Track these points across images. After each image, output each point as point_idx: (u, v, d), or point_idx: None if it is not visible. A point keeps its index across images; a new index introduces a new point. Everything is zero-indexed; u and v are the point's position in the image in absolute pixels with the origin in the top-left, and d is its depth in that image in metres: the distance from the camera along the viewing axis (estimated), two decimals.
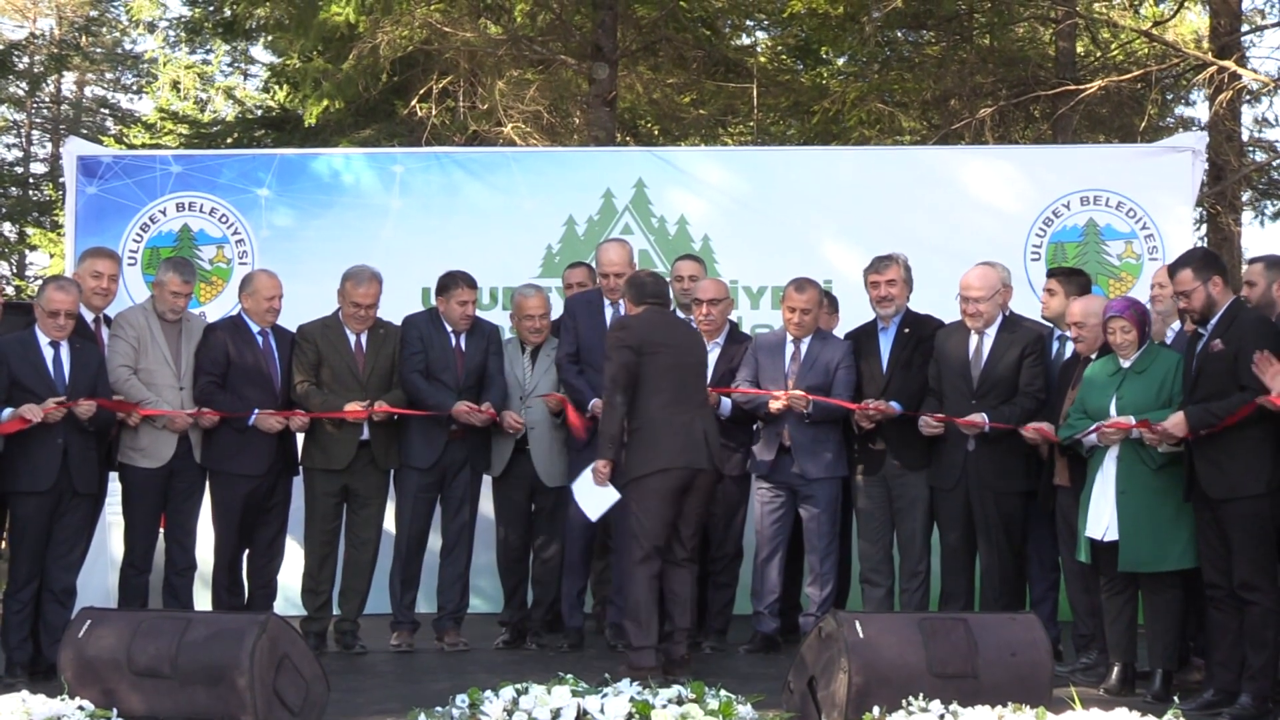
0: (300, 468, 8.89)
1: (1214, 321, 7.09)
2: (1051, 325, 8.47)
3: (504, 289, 10.23)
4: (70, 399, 7.81)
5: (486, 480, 9.07)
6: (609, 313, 8.94)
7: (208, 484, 8.71)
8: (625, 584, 7.91)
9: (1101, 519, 7.40)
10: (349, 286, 8.78)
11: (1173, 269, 7.36)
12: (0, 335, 8.11)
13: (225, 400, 8.53)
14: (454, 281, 8.90)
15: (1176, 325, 7.93)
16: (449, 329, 8.89)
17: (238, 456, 8.57)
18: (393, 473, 8.93)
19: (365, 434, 8.71)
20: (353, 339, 8.81)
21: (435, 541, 9.02)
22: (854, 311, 9.22)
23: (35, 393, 7.79)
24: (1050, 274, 8.74)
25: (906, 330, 8.65)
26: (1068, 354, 8.18)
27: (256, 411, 8.52)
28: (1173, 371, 7.34)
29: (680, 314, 9.07)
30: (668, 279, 9.37)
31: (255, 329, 8.73)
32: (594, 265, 9.48)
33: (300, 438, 8.87)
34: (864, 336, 8.84)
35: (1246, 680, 6.88)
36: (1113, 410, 7.40)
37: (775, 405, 8.49)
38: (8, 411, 7.71)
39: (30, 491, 7.85)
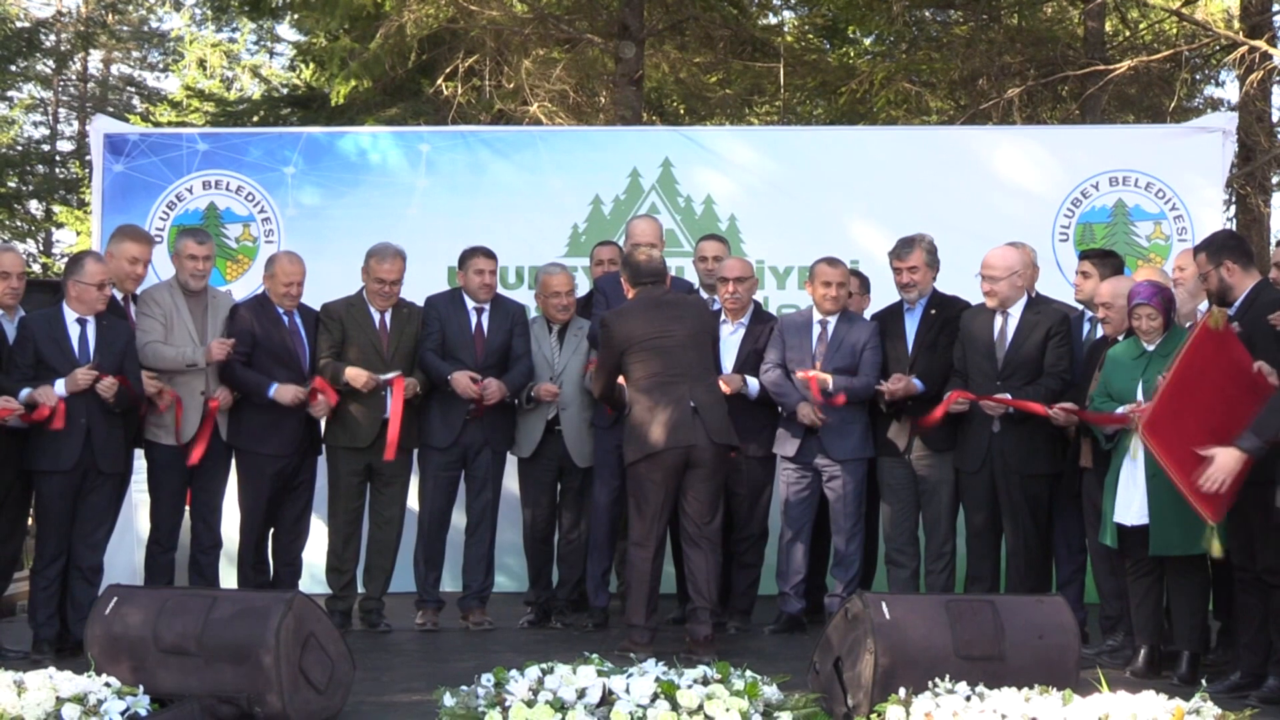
0: (324, 446, 8.91)
1: (1236, 304, 7.09)
2: (1083, 307, 8.42)
3: (530, 268, 10.22)
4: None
5: (513, 459, 9.06)
6: None
7: (234, 462, 8.73)
8: (623, 565, 8.00)
9: (1131, 504, 7.35)
10: (373, 263, 8.79)
11: (1195, 252, 7.40)
12: (27, 313, 8.14)
13: (246, 377, 8.54)
14: (471, 253, 8.95)
15: (1204, 306, 7.86)
16: (470, 307, 8.88)
17: (267, 437, 8.59)
18: (415, 452, 8.94)
19: (388, 412, 8.72)
20: (377, 317, 8.82)
21: (461, 520, 9.04)
22: (881, 292, 9.24)
23: (59, 371, 7.82)
24: (1083, 256, 8.70)
25: (933, 311, 8.62)
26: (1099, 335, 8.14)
27: (275, 385, 8.53)
28: None
29: (704, 294, 9.07)
30: (692, 259, 9.40)
31: (280, 308, 8.75)
32: (621, 241, 9.49)
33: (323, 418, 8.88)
34: (890, 317, 8.82)
35: (1273, 663, 6.87)
36: (1139, 394, 7.36)
37: (805, 416, 8.52)
38: (25, 393, 7.71)
39: (53, 470, 7.87)
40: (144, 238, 8.81)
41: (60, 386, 7.77)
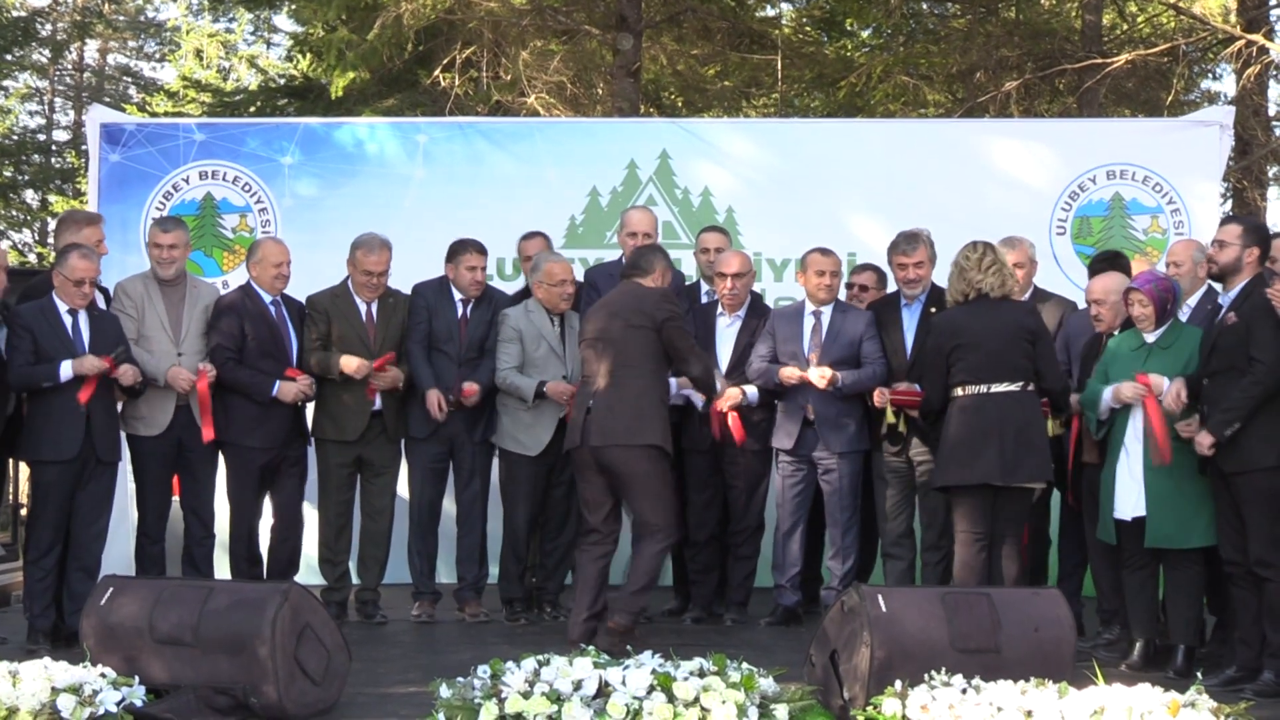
0: (312, 438, 8.89)
1: (1233, 294, 7.12)
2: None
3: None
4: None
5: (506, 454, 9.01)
6: None
7: (222, 456, 8.70)
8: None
9: (1128, 499, 7.36)
10: (360, 255, 8.73)
11: (1226, 219, 7.39)
12: (13, 304, 8.12)
13: (247, 377, 8.51)
14: (463, 247, 8.85)
15: (1193, 301, 7.85)
16: (457, 298, 8.84)
17: (253, 430, 8.54)
18: (404, 443, 8.92)
19: (377, 404, 8.70)
20: (363, 308, 8.78)
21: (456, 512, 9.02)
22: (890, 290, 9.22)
23: (60, 362, 7.80)
24: (1093, 271, 8.60)
25: (933, 309, 8.54)
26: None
27: (279, 384, 8.50)
28: (1197, 349, 7.29)
29: (704, 285, 9.07)
30: (690, 250, 9.38)
31: (267, 299, 8.68)
32: (615, 232, 9.49)
33: (310, 408, 8.86)
34: (884, 308, 8.77)
35: (1268, 657, 6.87)
36: None
37: (787, 375, 8.48)
38: (66, 364, 7.75)
39: (55, 460, 7.85)
40: (94, 218, 8.75)
41: (67, 368, 7.76)
